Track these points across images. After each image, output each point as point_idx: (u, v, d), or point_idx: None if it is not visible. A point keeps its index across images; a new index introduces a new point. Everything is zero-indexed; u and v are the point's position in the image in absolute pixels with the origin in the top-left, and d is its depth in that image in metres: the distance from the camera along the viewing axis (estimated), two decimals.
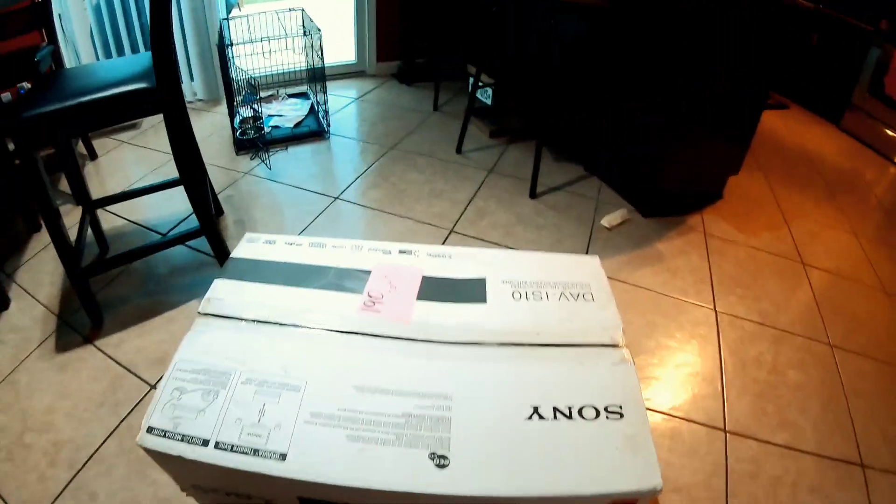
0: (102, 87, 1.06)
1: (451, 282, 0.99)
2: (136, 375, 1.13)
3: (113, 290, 1.42)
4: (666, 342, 1.25)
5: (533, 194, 1.80)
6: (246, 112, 2.29)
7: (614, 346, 0.85)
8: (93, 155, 2.18)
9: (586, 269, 1.01)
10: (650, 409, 1.11)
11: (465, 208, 1.73)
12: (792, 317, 1.31)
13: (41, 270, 1.47)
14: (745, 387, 1.14)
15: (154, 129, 2.27)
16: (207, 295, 0.97)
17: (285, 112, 2.37)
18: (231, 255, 1.06)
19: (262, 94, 2.55)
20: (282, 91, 2.55)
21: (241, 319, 0.91)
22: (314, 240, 1.10)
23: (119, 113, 1.07)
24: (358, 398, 0.80)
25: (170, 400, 0.82)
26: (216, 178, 1.97)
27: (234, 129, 2.06)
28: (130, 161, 2.12)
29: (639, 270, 1.46)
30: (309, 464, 0.73)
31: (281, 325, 0.91)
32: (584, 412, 0.75)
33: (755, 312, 1.33)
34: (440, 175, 1.93)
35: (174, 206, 1.63)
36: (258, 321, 0.91)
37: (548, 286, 0.96)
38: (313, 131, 2.20)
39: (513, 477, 0.70)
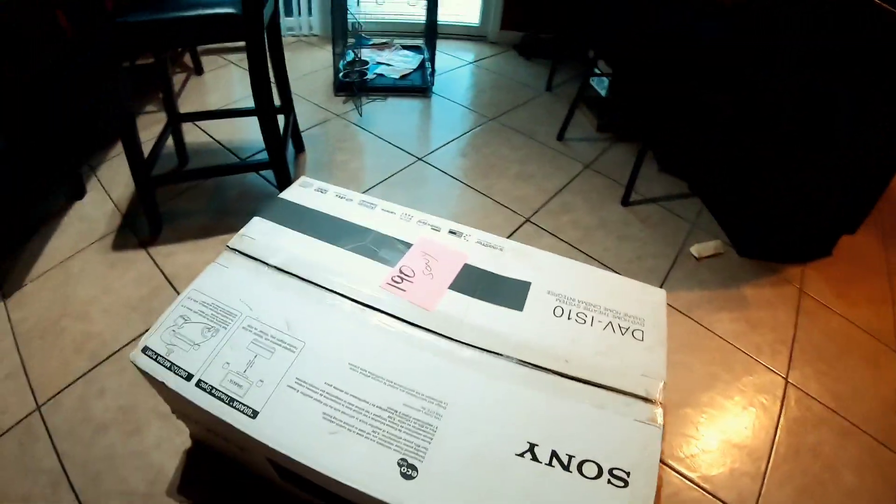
0: (190, 5, 1.09)
1: (493, 277, 0.90)
2: (174, 289, 1.19)
3: (179, 203, 1.50)
4: (721, 401, 1.07)
5: (626, 201, 1.62)
6: (355, 55, 2.32)
7: (648, 399, 0.72)
8: (199, 70, 2.31)
9: (648, 301, 0.87)
10: (674, 471, 0.96)
11: (550, 199, 1.61)
12: (867, 411, 1.06)
13: (120, 171, 1.59)
14: (792, 475, 0.95)
15: None
16: (242, 231, 0.97)
17: (395, 62, 2.36)
18: (279, 196, 1.06)
19: (377, 40, 2.56)
20: (397, 41, 2.54)
21: (265, 264, 0.91)
22: (366, 198, 1.07)
23: (201, 34, 1.09)
24: (348, 377, 0.75)
25: (171, 326, 0.84)
26: (309, 114, 2.02)
27: (336, 70, 2.09)
28: (234, 81, 2.23)
29: (717, 313, 1.26)
30: (276, 428, 0.70)
31: (300, 279, 0.88)
32: (585, 468, 0.64)
33: (829, 395, 1.09)
34: (534, 158, 1.81)
35: (259, 134, 1.68)
36: (280, 269, 0.90)
37: (597, 310, 0.84)
38: (416, 87, 2.17)
39: None
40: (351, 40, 2.33)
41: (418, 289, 0.87)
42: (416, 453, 0.66)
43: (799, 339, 1.22)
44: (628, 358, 0.77)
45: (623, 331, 0.81)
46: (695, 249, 1.44)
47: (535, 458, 0.65)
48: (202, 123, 1.81)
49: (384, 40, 2.51)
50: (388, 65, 2.28)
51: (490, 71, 2.39)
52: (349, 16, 2.00)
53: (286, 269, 0.89)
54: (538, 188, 1.65)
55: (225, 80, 2.21)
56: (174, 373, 0.76)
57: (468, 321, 0.81)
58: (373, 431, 0.68)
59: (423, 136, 1.90)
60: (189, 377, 0.76)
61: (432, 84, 2.18)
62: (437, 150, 1.82)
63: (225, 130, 1.82)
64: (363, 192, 1.58)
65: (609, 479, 0.64)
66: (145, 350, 0.79)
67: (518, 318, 0.82)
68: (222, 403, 0.73)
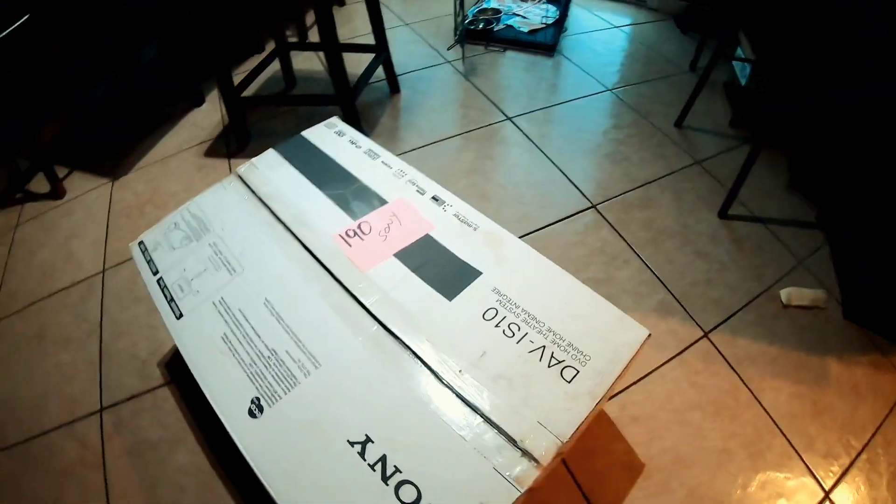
0: None
1: (447, 256, 0.85)
2: None
3: (272, 124, 1.69)
4: (722, 489, 0.86)
5: (724, 212, 1.31)
6: (491, 3, 2.21)
7: (526, 454, 0.61)
8: (341, 2, 2.50)
9: (615, 340, 0.72)
10: None
11: (632, 189, 1.39)
12: None
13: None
14: None
15: None
16: (253, 160, 1.07)
17: (531, 15, 2.19)
18: (301, 133, 1.12)
19: None
20: None
21: (254, 193, 0.99)
22: (374, 147, 1.06)
23: None
24: (258, 311, 0.81)
25: (166, 228, 0.98)
26: (420, 57, 2.03)
27: (455, 14, 2.01)
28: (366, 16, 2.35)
29: (775, 378, 0.97)
30: (188, 333, 0.80)
31: (272, 213, 0.94)
32: (403, 490, 0.59)
33: None
34: (636, 140, 1.56)
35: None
36: (261, 202, 0.96)
37: (537, 328, 0.73)
38: (540, 43, 1.99)
39: (289, 483, 0.63)
40: None
41: (364, 248, 0.86)
42: (271, 398, 0.69)
43: (873, 448, 0.91)
44: (537, 396, 0.66)
45: (553, 362, 0.69)
46: (786, 293, 1.13)
47: (361, 454, 0.62)
48: (321, 54, 1.95)
49: None
50: (524, 17, 2.14)
51: (634, 40, 2.08)
52: None
53: (265, 202, 0.96)
54: (625, 174, 1.45)
55: (361, 14, 2.32)
56: (148, 267, 0.91)
57: (393, 294, 0.79)
58: (250, 364, 0.73)
59: (524, 97, 1.77)
60: (156, 272, 0.89)
61: (558, 44, 1.99)
62: (530, 112, 1.69)
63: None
64: (438, 142, 1.55)
65: None
66: (140, 243, 0.95)
67: (442, 308, 0.77)
68: (164, 300, 0.85)
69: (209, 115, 1.73)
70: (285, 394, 0.70)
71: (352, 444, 0.64)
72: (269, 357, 0.74)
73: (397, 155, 1.57)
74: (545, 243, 1.30)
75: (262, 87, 1.91)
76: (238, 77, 1.89)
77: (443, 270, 0.82)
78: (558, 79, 1.87)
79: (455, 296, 0.79)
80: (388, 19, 2.30)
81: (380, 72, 1.79)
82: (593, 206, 1.38)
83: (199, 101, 1.75)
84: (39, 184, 1.60)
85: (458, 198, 0.94)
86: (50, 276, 1.31)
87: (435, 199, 0.94)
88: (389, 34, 2.16)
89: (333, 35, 1.32)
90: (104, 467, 0.95)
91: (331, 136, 1.10)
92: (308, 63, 2.00)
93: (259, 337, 0.76)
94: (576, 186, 1.43)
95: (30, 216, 1.50)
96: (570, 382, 0.68)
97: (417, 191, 0.96)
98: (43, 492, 0.96)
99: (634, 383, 1.02)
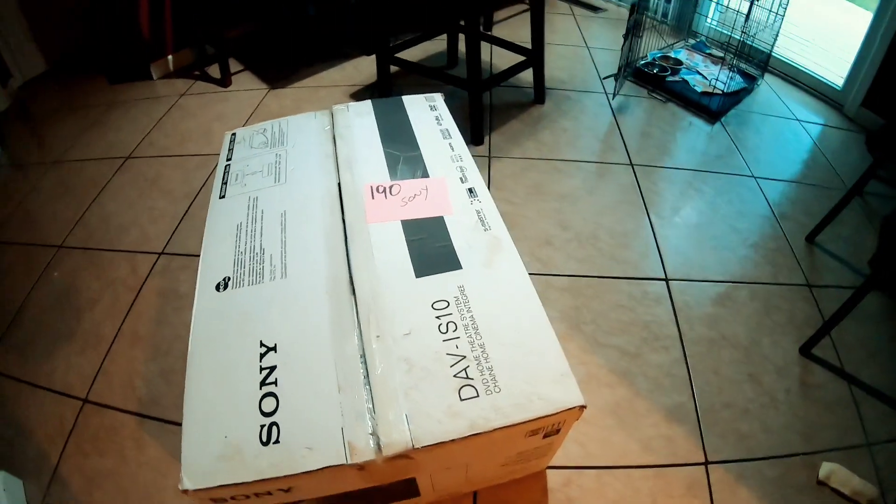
0: None
1: (443, 242, 0.85)
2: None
3: (415, 90, 1.74)
4: None
5: (806, 349, 1.05)
6: (680, 53, 2.06)
7: (376, 438, 0.62)
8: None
9: (542, 390, 0.66)
10: None
11: (719, 282, 1.19)
12: None
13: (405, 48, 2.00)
14: None
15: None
16: (350, 104, 1.18)
17: (713, 78, 1.96)
18: (402, 97, 1.21)
19: (715, 52, 2.16)
20: (736, 62, 2.08)
21: (331, 129, 1.10)
22: (453, 131, 1.09)
23: None
24: (273, 217, 0.91)
25: (254, 131, 1.14)
26: (577, 78, 2.00)
27: (622, 49, 1.88)
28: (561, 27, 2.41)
29: None
30: (216, 211, 0.93)
31: (334, 150, 1.05)
32: (266, 401, 0.64)
33: None
34: (752, 234, 1.30)
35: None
36: (333, 138, 1.08)
37: (472, 340, 0.70)
38: (707, 108, 1.79)
39: (203, 349, 0.71)
40: (691, 40, 2.08)
41: (382, 205, 0.92)
42: (237, 283, 0.80)
43: None
44: (422, 394, 0.65)
45: (460, 375, 0.67)
46: (828, 468, 0.92)
47: (261, 356, 0.69)
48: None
49: (721, 54, 2.13)
50: (704, 77, 1.96)
51: (810, 138, 1.78)
52: (704, 19, 1.78)
53: (335, 139, 1.07)
54: (720, 262, 1.28)
55: (557, 25, 2.38)
56: (227, 153, 1.08)
57: (374, 250, 0.84)
58: (241, 252, 0.85)
59: (659, 150, 1.65)
60: (229, 159, 1.06)
61: (723, 112, 1.80)
62: (655, 166, 1.58)
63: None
64: (551, 160, 1.59)
65: None
66: (233, 134, 1.13)
67: (404, 280, 0.79)
68: (221, 181, 1.01)
69: (371, 66, 1.93)
70: (248, 286, 0.79)
71: (262, 344, 0.71)
72: (257, 254, 0.84)
73: (509, 157, 1.62)
74: (593, 291, 1.23)
75: (426, 58, 2.09)
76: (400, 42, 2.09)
77: (430, 251, 0.84)
78: (705, 146, 1.70)
79: (423, 276, 0.80)
80: (573, 37, 2.31)
81: (531, 79, 1.82)
82: (665, 280, 1.25)
83: (370, 51, 1.97)
84: (214, 70, 1.98)
85: (491, 199, 0.95)
86: (186, 141, 1.63)
87: (470, 191, 0.96)
88: (564, 49, 2.18)
89: (476, 24, 1.39)
90: (137, 294, 1.17)
91: (423, 108, 1.17)
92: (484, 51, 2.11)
93: (261, 236, 0.87)
94: (659, 253, 1.32)
95: (196, 91, 1.89)
96: (461, 401, 0.65)
97: (461, 178, 0.99)
98: (89, 287, 1.22)
99: (593, 468, 0.94)
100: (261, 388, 0.66)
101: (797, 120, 1.87)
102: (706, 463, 0.95)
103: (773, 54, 1.98)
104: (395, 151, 1.05)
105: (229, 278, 0.81)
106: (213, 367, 0.70)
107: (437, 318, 0.75)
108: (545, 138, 1.69)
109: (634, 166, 1.59)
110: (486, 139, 1.69)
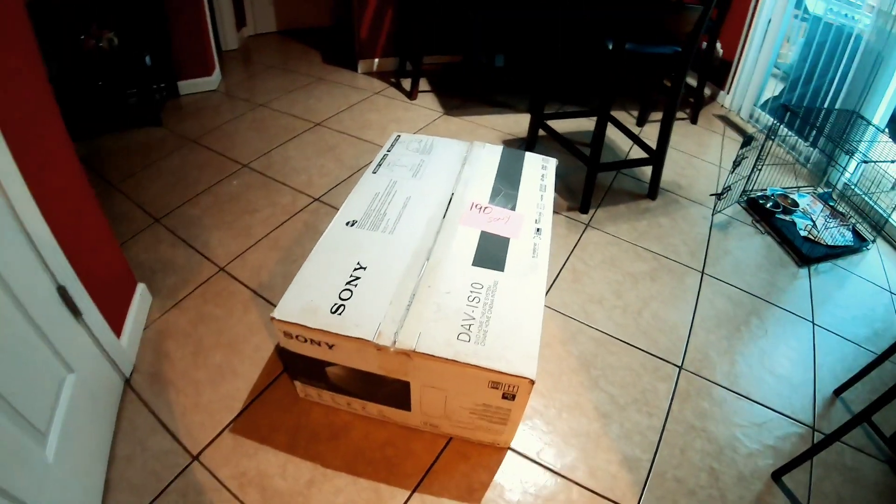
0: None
1: (502, 251, 1.20)
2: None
3: (552, 147, 2.23)
4: None
5: (778, 475, 1.14)
6: (804, 198, 2.12)
7: (394, 339, 0.99)
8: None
9: (509, 355, 0.99)
10: None
11: (724, 389, 1.27)
12: None
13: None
14: None
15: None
16: (486, 143, 1.58)
17: (823, 229, 1.95)
18: (527, 151, 1.57)
19: (841, 207, 2.17)
20: (854, 220, 2.07)
21: (465, 156, 1.52)
22: (549, 186, 1.45)
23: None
24: (401, 197, 1.34)
25: (413, 139, 1.59)
26: (695, 187, 2.21)
27: (730, 177, 1.98)
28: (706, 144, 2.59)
29: None
30: (365, 180, 1.41)
31: (461, 170, 1.46)
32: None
33: None
34: (777, 338, 1.43)
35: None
36: (464, 161, 1.49)
37: (485, 312, 1.05)
38: (800, 251, 1.83)
39: (314, 262, 1.15)
40: (822, 189, 2.15)
41: (475, 216, 1.31)
42: (361, 225, 1.23)
43: None
44: (434, 323, 1.01)
45: (464, 325, 1.01)
46: None
47: (356, 273, 1.10)
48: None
49: (843, 212, 2.15)
50: (814, 224, 2.02)
51: None
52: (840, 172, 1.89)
53: (465, 163, 1.48)
54: (737, 376, 1.43)
55: (704, 139, 2.62)
56: (388, 147, 1.54)
57: (454, 240, 1.22)
58: (371, 209, 1.29)
59: (735, 270, 1.82)
60: (388, 151, 1.52)
61: (815, 259, 1.87)
62: (725, 282, 1.75)
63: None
64: (633, 245, 1.96)
65: None
66: (398, 135, 1.60)
67: (464, 264, 1.16)
68: (377, 164, 1.46)
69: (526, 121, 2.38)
70: (366, 229, 1.23)
71: (358, 263, 1.12)
72: (380, 214, 1.28)
73: (603, 230, 1.90)
74: (615, 350, 1.47)
75: (576, 132, 2.47)
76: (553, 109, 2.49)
77: (489, 254, 1.20)
78: (780, 281, 1.81)
79: (476, 266, 1.17)
80: (710, 154, 2.54)
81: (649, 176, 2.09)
82: (679, 367, 1.44)
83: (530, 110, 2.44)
84: (407, 83, 2.60)
85: (549, 241, 1.27)
86: (366, 128, 2.25)
87: (538, 230, 1.30)
88: (696, 161, 2.43)
89: (607, 110, 1.73)
90: (289, 218, 1.69)
91: (536, 165, 1.54)
92: (624, 141, 2.43)
93: (388, 205, 1.31)
94: (686, 347, 1.50)
95: (387, 94, 2.52)
96: (456, 340, 1.00)
97: (535, 219, 1.33)
98: (256, 200, 1.80)
99: (544, 466, 1.19)
100: (345, 285, 1.07)
101: (890, 292, 1.88)
102: None
103: (889, 220, 2.01)
104: (501, 186, 1.43)
105: (356, 221, 1.25)
106: (322, 263, 1.13)
107: (471, 291, 1.10)
108: (640, 226, 1.95)
109: (704, 274, 1.78)
110: (593, 211, 2.00)
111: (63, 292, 1.02)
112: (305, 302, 1.04)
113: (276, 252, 1.69)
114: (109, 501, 1.07)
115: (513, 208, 1.35)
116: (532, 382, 0.96)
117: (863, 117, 2.15)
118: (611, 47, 1.75)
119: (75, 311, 1.05)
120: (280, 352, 1.38)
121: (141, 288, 1.45)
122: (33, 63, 1.04)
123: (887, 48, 2.13)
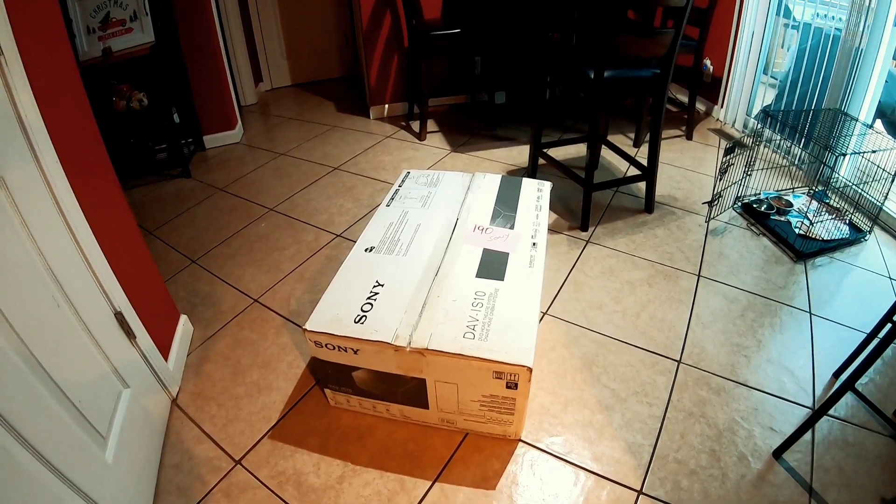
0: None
1: (502, 263, 1.40)
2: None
3: (552, 173, 2.47)
4: None
5: (779, 453, 1.25)
6: (799, 198, 2.25)
7: (408, 340, 1.17)
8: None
9: (509, 347, 1.17)
10: None
11: (721, 377, 1.35)
12: None
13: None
14: None
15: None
16: (486, 174, 1.79)
17: (819, 224, 2.07)
18: (524, 178, 1.78)
19: (834, 200, 2.28)
20: (850, 214, 2.15)
21: (468, 186, 1.73)
22: (544, 207, 1.65)
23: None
24: (412, 226, 1.56)
25: (422, 174, 1.81)
26: (690, 199, 2.36)
27: (717, 183, 2.16)
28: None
29: None
30: (380, 212, 1.63)
31: (465, 198, 1.67)
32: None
33: None
34: (769, 330, 1.51)
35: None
36: (466, 190, 1.70)
37: (487, 314, 1.23)
38: (793, 246, 1.96)
39: (339, 286, 1.36)
40: (817, 188, 2.29)
41: (477, 236, 1.52)
42: (378, 250, 1.44)
43: None
44: (441, 325, 1.20)
45: (469, 325, 1.19)
46: None
47: (373, 294, 1.30)
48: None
49: (838, 207, 2.26)
50: (809, 222, 2.14)
51: None
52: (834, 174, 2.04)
53: (468, 192, 1.69)
54: (735, 365, 1.56)
55: (697, 154, 2.81)
56: (399, 183, 1.77)
57: (459, 257, 1.42)
58: (386, 237, 1.50)
59: (730, 271, 1.96)
60: (400, 186, 1.74)
61: (802, 254, 1.99)
62: (720, 282, 1.89)
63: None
64: (629, 255, 2.11)
65: None
66: (408, 172, 1.82)
67: (468, 274, 1.36)
68: (390, 198, 1.69)
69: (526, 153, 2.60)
70: (383, 253, 1.44)
71: (377, 281, 1.33)
72: (394, 241, 1.49)
73: (602, 245, 2.08)
74: (615, 349, 1.63)
75: (575, 157, 2.68)
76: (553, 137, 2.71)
77: (490, 267, 1.40)
78: (776, 277, 1.93)
79: (479, 277, 1.36)
80: (705, 167, 2.71)
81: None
82: (677, 362, 1.59)
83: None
84: (416, 125, 2.87)
85: (544, 252, 1.46)
86: (380, 169, 2.50)
87: (534, 244, 1.49)
88: (691, 175, 2.61)
89: (598, 132, 1.94)
90: (314, 254, 1.91)
91: (533, 189, 1.75)
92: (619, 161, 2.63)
93: (400, 233, 1.53)
94: (684, 343, 1.65)
95: (398, 137, 2.81)
96: (463, 338, 1.18)
97: (532, 234, 1.53)
98: (283, 239, 2.04)
99: (553, 455, 1.34)
100: (366, 299, 1.28)
101: (890, 278, 1.99)
102: (640, 492, 1.28)
103: (883, 208, 2.15)
104: (500, 209, 1.63)
105: (374, 247, 1.46)
106: (345, 283, 1.34)
107: (475, 298, 1.29)
108: (637, 239, 2.12)
109: (700, 277, 1.93)
110: (593, 228, 2.18)
111: (119, 317, 1.24)
112: (332, 315, 1.24)
113: (302, 283, 1.91)
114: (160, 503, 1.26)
115: (511, 227, 1.55)
116: (530, 370, 1.13)
117: (847, 114, 2.30)
118: (592, 76, 1.97)
119: (130, 333, 1.28)
120: (312, 362, 1.57)
121: (183, 319, 1.67)
122: (88, 119, 1.31)
123: (864, 41, 2.27)
